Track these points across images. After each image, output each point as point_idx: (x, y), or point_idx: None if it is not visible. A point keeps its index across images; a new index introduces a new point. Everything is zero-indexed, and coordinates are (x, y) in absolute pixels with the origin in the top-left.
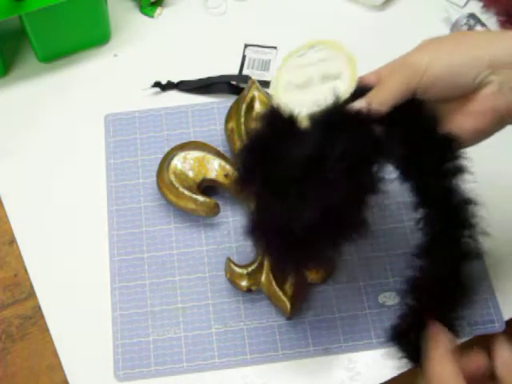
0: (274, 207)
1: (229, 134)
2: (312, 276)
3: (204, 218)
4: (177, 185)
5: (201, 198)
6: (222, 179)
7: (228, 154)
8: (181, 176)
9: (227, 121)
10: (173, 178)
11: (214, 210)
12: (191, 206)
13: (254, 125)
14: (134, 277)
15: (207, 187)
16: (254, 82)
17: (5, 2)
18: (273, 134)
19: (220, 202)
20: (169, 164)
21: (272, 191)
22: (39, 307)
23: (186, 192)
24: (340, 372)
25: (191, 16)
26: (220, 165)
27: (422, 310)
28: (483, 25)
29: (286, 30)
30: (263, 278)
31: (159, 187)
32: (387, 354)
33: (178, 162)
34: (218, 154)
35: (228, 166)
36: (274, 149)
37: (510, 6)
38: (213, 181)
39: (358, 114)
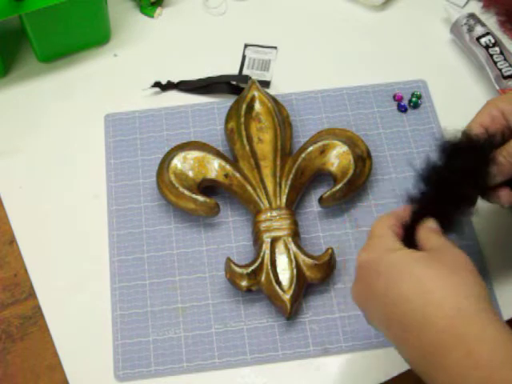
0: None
1: (229, 134)
2: (312, 276)
3: (204, 217)
4: (177, 185)
5: (201, 198)
6: (222, 179)
7: (228, 154)
8: (181, 176)
9: (227, 121)
10: (173, 177)
11: (214, 210)
12: (191, 206)
13: (254, 126)
14: (134, 277)
15: (207, 187)
16: (254, 82)
17: (5, 2)
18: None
19: (220, 202)
20: (169, 164)
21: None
22: (39, 307)
23: (186, 192)
24: (340, 372)
25: (191, 16)
26: (220, 165)
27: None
28: (483, 25)
29: (286, 30)
30: (263, 278)
31: (159, 187)
32: (387, 354)
33: (178, 162)
34: (218, 154)
35: (228, 166)
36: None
37: (509, 6)
38: (213, 181)
39: None
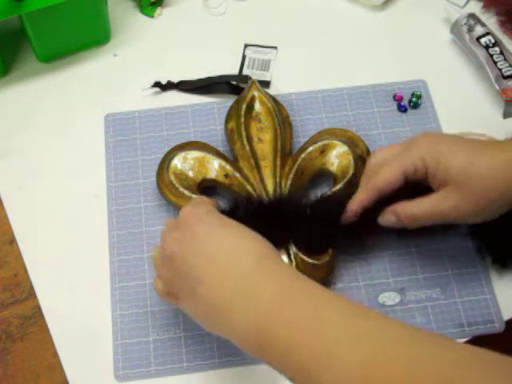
0: None
1: (229, 134)
2: (312, 276)
3: None
4: (177, 185)
5: None
6: (222, 179)
7: (228, 154)
8: (181, 176)
9: (227, 121)
10: (173, 177)
11: None
12: None
13: (254, 126)
14: (133, 277)
15: (207, 187)
16: (254, 82)
17: (5, 2)
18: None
19: (220, 202)
20: (169, 164)
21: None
22: (39, 307)
23: (186, 192)
24: None
25: (191, 16)
26: (220, 165)
27: None
28: (483, 25)
29: (286, 29)
30: None
31: (159, 187)
32: None
33: (178, 162)
34: (218, 154)
35: (228, 166)
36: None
37: (510, 6)
38: (213, 181)
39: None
